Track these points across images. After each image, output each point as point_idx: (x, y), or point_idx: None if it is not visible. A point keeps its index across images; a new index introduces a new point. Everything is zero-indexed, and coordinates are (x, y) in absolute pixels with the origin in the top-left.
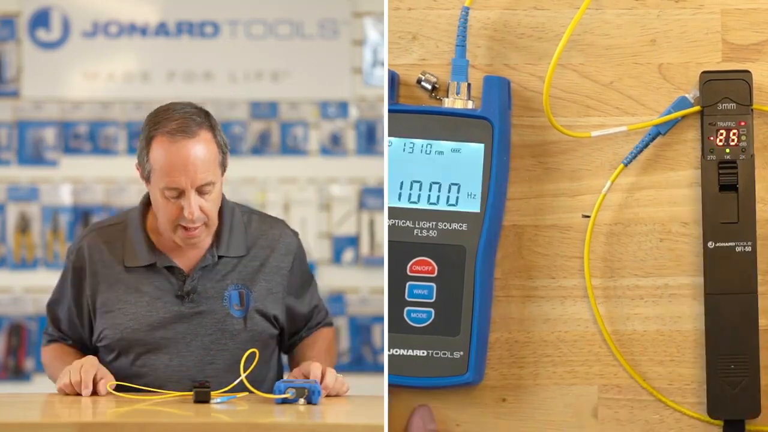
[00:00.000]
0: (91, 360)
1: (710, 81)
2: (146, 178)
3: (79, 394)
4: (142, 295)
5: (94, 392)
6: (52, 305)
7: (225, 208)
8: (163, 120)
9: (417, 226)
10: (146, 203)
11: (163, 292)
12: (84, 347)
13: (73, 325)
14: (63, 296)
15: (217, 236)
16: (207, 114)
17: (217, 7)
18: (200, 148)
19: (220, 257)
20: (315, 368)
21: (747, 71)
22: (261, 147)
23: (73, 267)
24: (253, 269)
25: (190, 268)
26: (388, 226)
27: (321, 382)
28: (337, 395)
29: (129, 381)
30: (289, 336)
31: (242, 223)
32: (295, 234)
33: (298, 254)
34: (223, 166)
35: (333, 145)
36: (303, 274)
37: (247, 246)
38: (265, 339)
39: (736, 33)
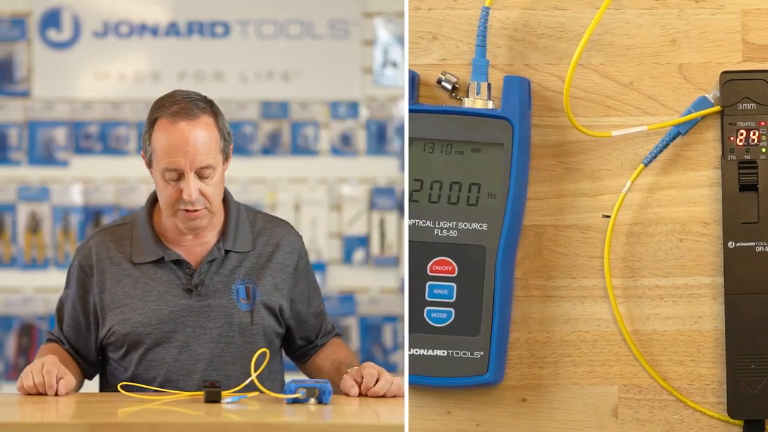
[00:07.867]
0: (51, 359)
1: (730, 81)
2: (149, 162)
3: (42, 394)
4: (150, 289)
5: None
6: (59, 305)
7: (231, 205)
8: (166, 104)
9: (437, 226)
10: (153, 201)
11: (171, 286)
12: (80, 352)
13: (76, 325)
14: (68, 295)
15: (224, 231)
16: (210, 101)
17: (227, 7)
18: (201, 131)
19: (227, 251)
20: (371, 367)
21: (767, 71)
22: (271, 147)
23: (80, 265)
24: (259, 265)
25: (197, 262)
26: (408, 226)
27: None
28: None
29: (139, 376)
30: (301, 342)
31: (248, 220)
32: (299, 236)
33: (302, 254)
34: (225, 154)
35: (343, 145)
36: (308, 276)
37: (253, 242)
38: (270, 336)
39: (757, 33)
